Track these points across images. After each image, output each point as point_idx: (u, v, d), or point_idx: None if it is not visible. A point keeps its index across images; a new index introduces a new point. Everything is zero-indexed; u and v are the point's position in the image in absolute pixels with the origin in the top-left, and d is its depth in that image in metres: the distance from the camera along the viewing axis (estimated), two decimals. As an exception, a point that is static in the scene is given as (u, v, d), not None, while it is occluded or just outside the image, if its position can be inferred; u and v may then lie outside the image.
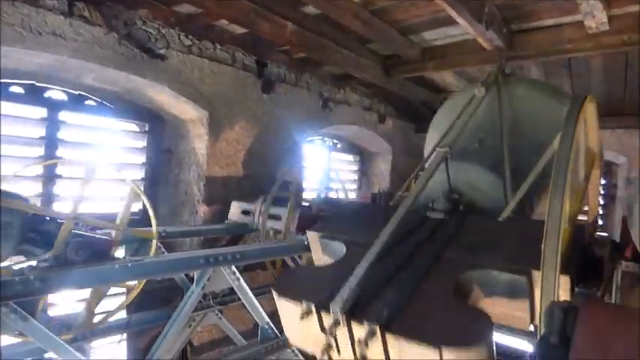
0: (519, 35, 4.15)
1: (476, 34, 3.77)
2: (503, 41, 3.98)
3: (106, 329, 3.22)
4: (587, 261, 1.95)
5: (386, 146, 7.14)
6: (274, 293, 1.74)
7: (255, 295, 3.12)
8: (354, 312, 1.49)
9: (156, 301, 3.73)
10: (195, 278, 2.78)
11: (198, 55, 4.18)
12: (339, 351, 1.57)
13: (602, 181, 6.21)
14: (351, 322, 1.47)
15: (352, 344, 1.50)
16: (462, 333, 1.38)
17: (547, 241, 1.56)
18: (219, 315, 4.15)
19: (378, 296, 1.63)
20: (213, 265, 2.72)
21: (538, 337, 1.52)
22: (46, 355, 3.14)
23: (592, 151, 2.37)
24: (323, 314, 1.53)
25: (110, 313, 2.86)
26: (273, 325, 3.13)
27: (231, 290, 3.98)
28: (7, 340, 2.57)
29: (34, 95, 3.57)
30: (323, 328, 1.55)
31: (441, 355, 1.32)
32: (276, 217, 3.92)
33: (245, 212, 4.13)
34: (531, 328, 1.87)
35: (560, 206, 1.60)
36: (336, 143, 6.87)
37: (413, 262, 1.87)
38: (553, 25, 3.95)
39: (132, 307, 3.36)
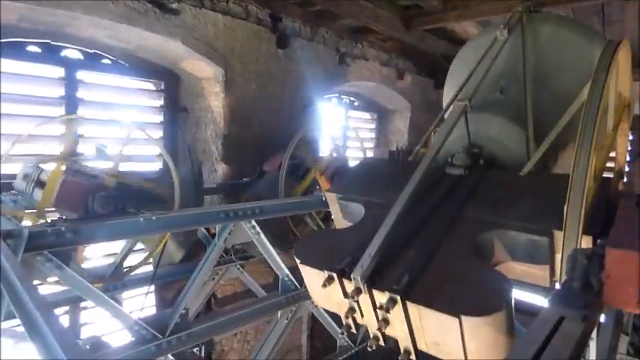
0: (549, -21, 3.90)
1: (502, -22, 3.56)
2: (532, -14, 3.74)
3: (135, 281, 3.38)
4: (611, 214, 1.91)
5: (404, 103, 6.99)
6: (296, 259, 1.77)
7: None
8: (374, 279, 1.52)
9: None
10: (216, 233, 2.85)
11: (211, 9, 4.07)
12: (362, 314, 1.62)
13: (630, 137, 5.99)
14: (372, 290, 1.50)
15: (374, 309, 1.54)
16: (481, 300, 1.37)
17: (571, 201, 1.52)
18: (241, 269, 4.30)
19: (398, 260, 1.63)
20: (233, 220, 2.78)
21: (559, 285, 1.53)
22: (83, 304, 3.34)
23: (623, 99, 2.26)
24: (345, 282, 1.56)
25: (138, 265, 2.98)
26: (293, 277, 3.23)
27: (252, 246, 4.12)
28: (44, 289, 2.73)
29: (50, 54, 3.57)
30: (345, 294, 1.59)
31: (460, 324, 1.33)
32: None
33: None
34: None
35: (586, 163, 1.54)
36: (353, 101, 6.75)
37: (432, 222, 1.85)
38: (586, -34, 3.70)
39: (158, 260, 3.50)
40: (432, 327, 1.42)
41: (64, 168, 2.33)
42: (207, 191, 4.19)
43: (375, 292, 1.51)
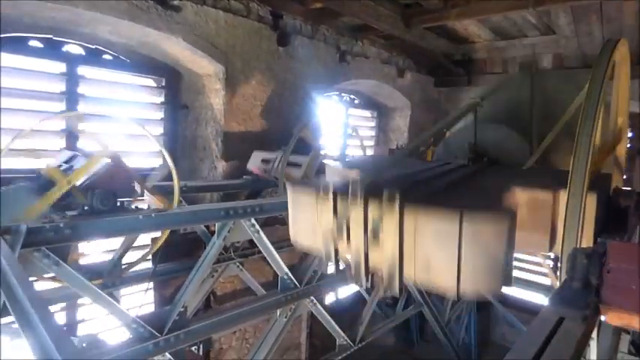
0: (550, -22, 3.88)
1: (503, -23, 3.54)
2: (533, -16, 3.74)
3: (134, 278, 3.37)
4: (612, 211, 1.91)
5: (404, 101, 6.97)
6: (288, 187, 1.70)
7: (275, 249, 3.18)
8: (372, 191, 1.43)
9: (179, 253, 3.86)
10: (216, 230, 2.84)
11: (212, 6, 4.06)
12: (348, 237, 1.50)
13: (629, 134, 5.98)
14: (369, 198, 1.41)
15: (365, 225, 1.44)
16: (485, 204, 1.37)
17: (572, 190, 1.52)
18: (240, 267, 4.29)
19: (400, 180, 1.65)
20: (233, 218, 2.78)
21: (559, 283, 1.52)
22: (79, 301, 3.33)
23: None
24: (339, 197, 1.49)
25: (136, 262, 2.98)
26: (292, 276, 3.23)
27: (251, 244, 4.11)
28: (41, 285, 2.72)
29: (52, 49, 3.56)
30: (336, 212, 1.50)
31: (461, 221, 1.25)
32: (296, 165, 3.92)
33: (265, 161, 4.14)
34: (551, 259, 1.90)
35: (591, 126, 1.55)
36: (354, 99, 6.73)
37: (437, 178, 1.92)
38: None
39: (157, 257, 3.50)
40: (427, 240, 1.33)
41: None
42: (207, 189, 4.19)
43: (371, 203, 1.41)
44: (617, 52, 1.82)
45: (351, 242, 1.49)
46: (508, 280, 1.33)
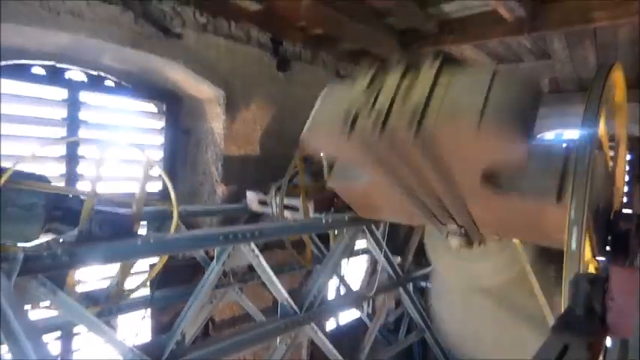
0: (542, 4, 3.98)
1: (496, 3, 3.63)
2: (525, 11, 3.83)
3: (131, 305, 3.32)
4: (613, 235, 1.90)
5: (403, 125, 7.04)
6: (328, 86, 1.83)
7: (275, 274, 3.15)
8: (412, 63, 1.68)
9: (177, 279, 3.82)
10: (215, 255, 2.82)
11: (213, 33, 4.15)
12: (374, 104, 1.60)
13: (628, 157, 6.01)
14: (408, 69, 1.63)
15: (398, 85, 1.60)
16: None
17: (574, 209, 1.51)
18: (240, 292, 4.24)
19: None
20: (232, 242, 2.75)
21: (562, 309, 1.50)
22: (75, 329, 3.27)
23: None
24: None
25: (135, 288, 2.94)
26: (292, 302, 3.18)
27: (251, 269, 4.07)
28: (37, 314, 2.68)
29: (54, 76, 3.62)
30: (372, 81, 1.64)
31: (494, 73, 1.38)
32: (293, 208, 3.88)
33: (262, 202, 4.11)
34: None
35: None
36: (353, 122, 6.80)
37: None
38: (578, -7, 3.79)
39: (154, 284, 3.46)
40: (459, 88, 1.49)
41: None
42: (206, 213, 4.18)
43: (409, 73, 1.63)
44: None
45: (376, 104, 1.60)
46: (529, 133, 1.46)
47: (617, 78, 2.07)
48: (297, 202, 3.84)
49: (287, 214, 3.87)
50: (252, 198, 4.19)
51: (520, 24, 4.06)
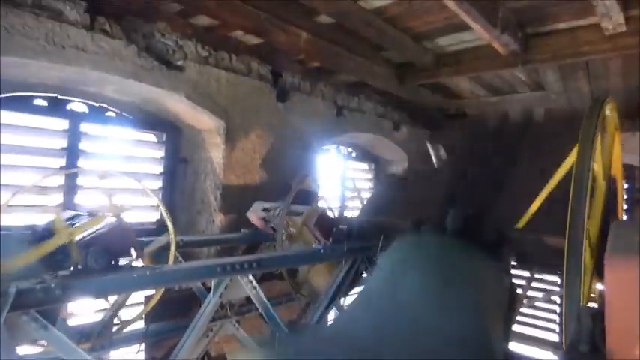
0: (535, 39, 4.10)
1: (490, 39, 3.74)
2: (519, 45, 3.94)
3: (124, 339, 3.23)
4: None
5: (401, 154, 7.09)
6: None
7: (273, 305, 3.09)
8: None
9: (173, 311, 3.74)
10: (212, 287, 2.77)
11: (214, 65, 4.24)
12: None
13: (625, 186, 6.03)
14: None
15: None
16: None
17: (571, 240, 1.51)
18: (237, 325, 4.13)
19: None
20: (230, 274, 2.71)
21: (564, 344, 1.47)
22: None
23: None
24: None
25: (129, 322, 2.87)
26: (289, 334, 3.10)
27: (248, 300, 3.99)
28: (26, 349, 2.60)
29: (56, 107, 3.66)
30: None
31: None
32: (297, 214, 3.89)
33: (266, 209, 4.11)
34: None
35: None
36: (351, 152, 6.85)
37: None
38: (569, 27, 3.90)
39: (149, 316, 3.38)
40: None
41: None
42: (204, 243, 4.14)
43: None
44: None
45: None
46: None
47: (610, 111, 2.11)
48: (303, 208, 3.85)
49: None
50: (258, 205, 4.17)
51: (514, 57, 4.17)
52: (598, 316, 1.22)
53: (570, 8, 3.55)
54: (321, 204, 4.09)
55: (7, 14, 2.86)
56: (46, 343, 2.14)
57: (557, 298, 6.10)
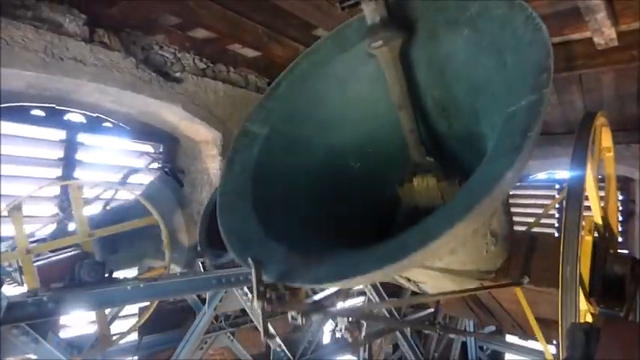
0: (529, 53, 4.14)
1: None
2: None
3: (117, 352, 3.19)
4: (607, 280, 1.86)
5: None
6: None
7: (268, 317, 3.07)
8: None
9: (166, 322, 3.71)
10: (207, 299, 2.76)
11: (212, 77, 4.27)
12: None
13: (620, 197, 6.06)
14: None
15: None
16: None
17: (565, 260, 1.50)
18: (231, 337, 4.10)
19: None
20: (225, 286, 2.70)
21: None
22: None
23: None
24: None
25: (122, 335, 2.84)
26: (285, 348, 3.08)
27: (243, 312, 3.97)
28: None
29: (54, 118, 3.67)
30: None
31: None
32: None
33: None
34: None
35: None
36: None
37: None
38: (562, 42, 3.95)
39: (143, 329, 3.34)
40: None
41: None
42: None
43: None
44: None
45: None
46: None
47: (603, 124, 2.12)
48: None
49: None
50: None
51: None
52: (592, 332, 1.22)
53: (563, 23, 3.60)
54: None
55: (7, 26, 2.88)
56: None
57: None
